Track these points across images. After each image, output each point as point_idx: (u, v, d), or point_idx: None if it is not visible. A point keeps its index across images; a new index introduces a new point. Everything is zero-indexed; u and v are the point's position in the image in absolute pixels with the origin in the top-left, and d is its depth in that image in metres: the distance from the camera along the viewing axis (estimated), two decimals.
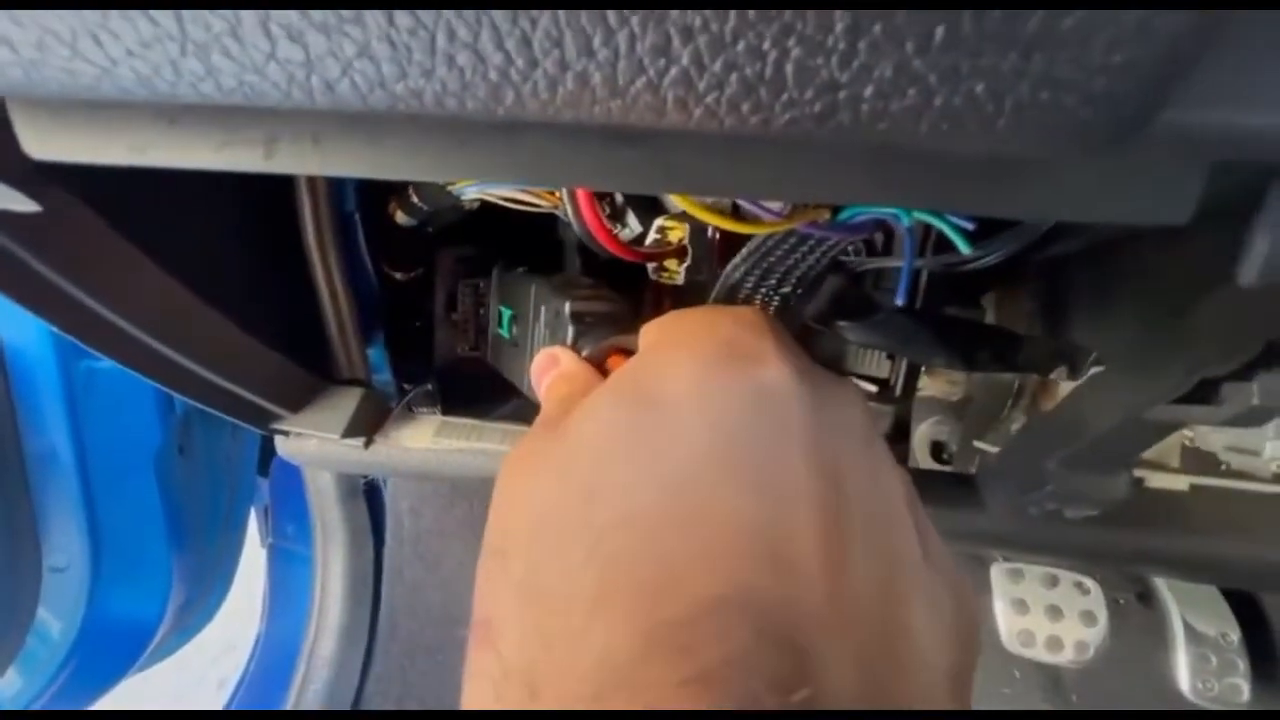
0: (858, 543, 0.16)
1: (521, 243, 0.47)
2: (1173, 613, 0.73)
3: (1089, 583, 0.73)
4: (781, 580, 0.14)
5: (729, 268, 0.26)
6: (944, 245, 0.30)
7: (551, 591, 0.15)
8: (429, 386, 0.52)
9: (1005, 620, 0.72)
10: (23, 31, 0.13)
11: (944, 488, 0.39)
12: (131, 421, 0.56)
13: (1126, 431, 0.28)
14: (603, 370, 0.28)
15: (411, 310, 0.51)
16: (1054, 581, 0.73)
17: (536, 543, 0.16)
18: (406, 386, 0.52)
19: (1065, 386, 0.44)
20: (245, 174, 0.18)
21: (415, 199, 0.42)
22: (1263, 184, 0.15)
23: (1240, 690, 0.69)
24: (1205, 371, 0.23)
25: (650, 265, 0.37)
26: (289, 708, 0.77)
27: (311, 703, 0.77)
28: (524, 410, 0.48)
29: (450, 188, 0.36)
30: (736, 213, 0.23)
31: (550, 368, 0.26)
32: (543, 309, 0.38)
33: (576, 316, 0.33)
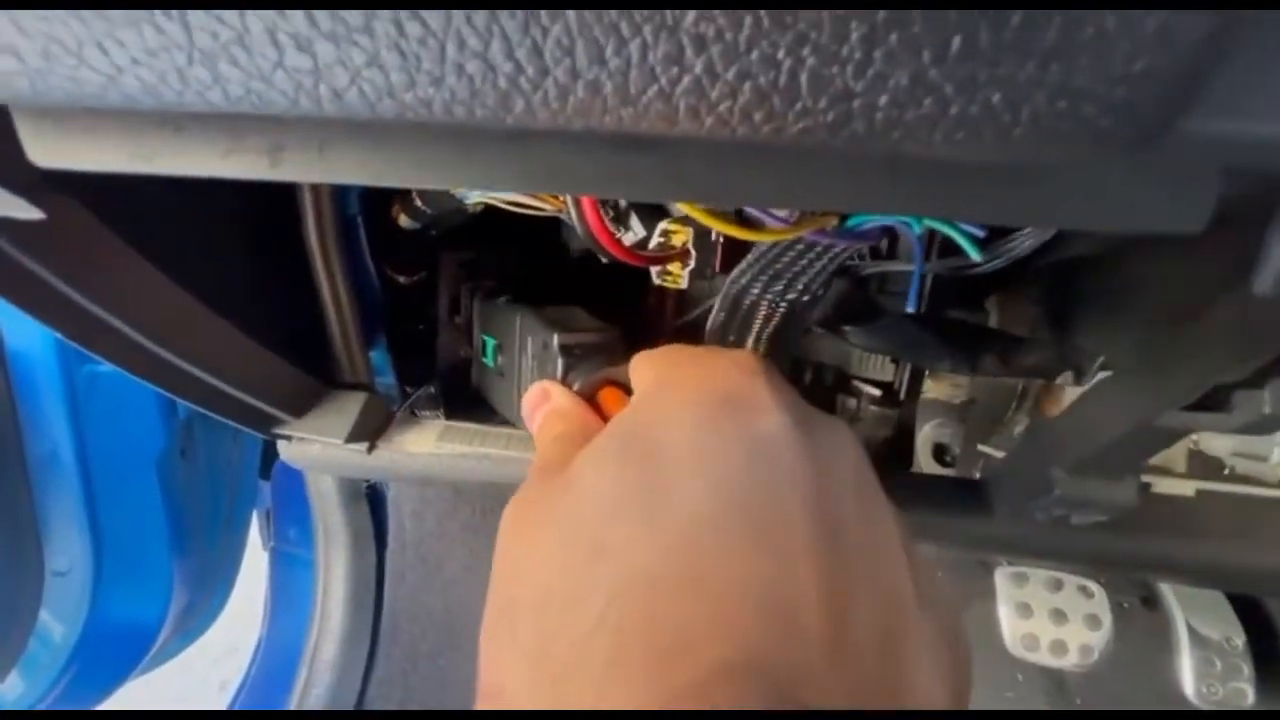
0: (858, 594, 0.16)
1: (525, 246, 0.47)
2: (1177, 617, 0.73)
3: (1093, 586, 0.73)
4: (787, 642, 0.15)
5: (735, 273, 0.26)
6: (950, 249, 0.30)
7: (563, 658, 0.15)
8: (431, 390, 0.52)
9: (1009, 624, 0.72)
10: (29, 41, 0.13)
11: (951, 493, 0.39)
12: (134, 425, 0.56)
13: (1135, 438, 0.27)
14: (594, 404, 0.28)
15: (414, 314, 0.51)
16: (1058, 585, 0.73)
17: (544, 607, 0.16)
18: (409, 390, 0.52)
19: (1069, 391, 0.44)
20: (250, 180, 0.17)
21: (419, 203, 0.42)
22: (1277, 193, 0.15)
23: (1245, 695, 0.69)
24: (1216, 379, 0.23)
25: (653, 269, 0.37)
26: (291, 710, 0.77)
27: (313, 706, 0.77)
28: None
29: (454, 191, 0.36)
30: (742, 218, 0.23)
31: (542, 403, 0.26)
32: (530, 340, 0.37)
33: (565, 349, 0.32)
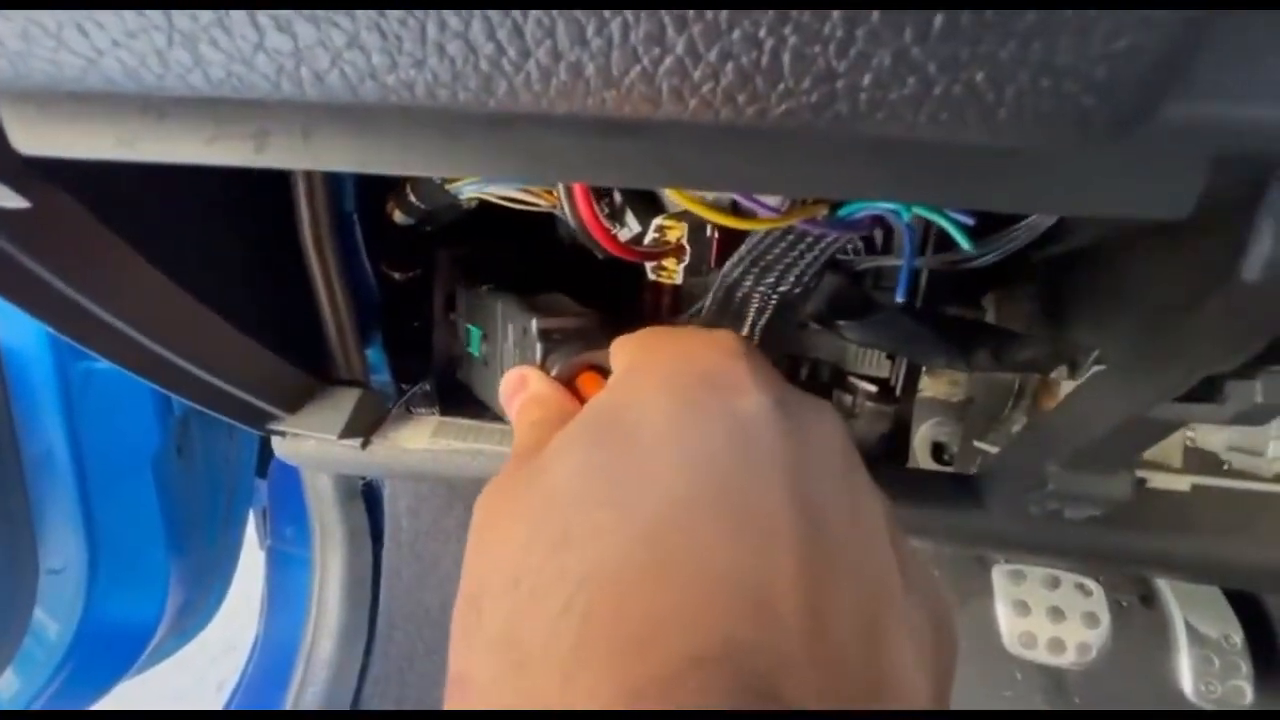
0: (839, 584, 0.15)
1: (520, 243, 0.47)
2: (1175, 614, 0.73)
3: (1091, 584, 0.73)
4: (762, 632, 0.14)
5: (727, 266, 0.26)
6: (944, 243, 0.30)
7: (527, 648, 0.15)
8: (427, 386, 0.52)
9: (1007, 622, 0.72)
10: (7, 23, 0.13)
11: (945, 488, 0.39)
12: (129, 423, 0.56)
13: (1128, 431, 0.27)
14: (573, 389, 0.28)
15: (410, 311, 0.51)
16: (1056, 583, 0.73)
17: (511, 595, 0.16)
18: (405, 387, 0.52)
19: (1066, 386, 0.44)
20: (241, 170, 0.17)
21: (413, 198, 0.42)
22: (1265, 178, 0.15)
23: (1243, 692, 0.69)
24: (1208, 369, 0.23)
25: (649, 264, 0.37)
26: (287, 709, 0.77)
27: (310, 704, 0.76)
28: None
29: (448, 186, 0.36)
30: (735, 209, 0.23)
31: (520, 389, 0.26)
32: (510, 327, 0.37)
33: (544, 334, 0.32)
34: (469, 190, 0.35)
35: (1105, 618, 0.70)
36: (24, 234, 0.22)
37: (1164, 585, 0.75)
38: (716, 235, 0.31)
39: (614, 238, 0.31)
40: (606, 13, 0.12)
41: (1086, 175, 0.15)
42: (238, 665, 0.84)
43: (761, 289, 0.25)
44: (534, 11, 0.12)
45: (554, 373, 0.28)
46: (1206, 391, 0.24)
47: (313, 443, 0.42)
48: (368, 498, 0.79)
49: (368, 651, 0.80)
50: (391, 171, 0.17)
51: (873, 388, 0.44)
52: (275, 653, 0.80)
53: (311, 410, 0.42)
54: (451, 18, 0.12)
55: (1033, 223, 0.24)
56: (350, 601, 0.77)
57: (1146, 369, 0.26)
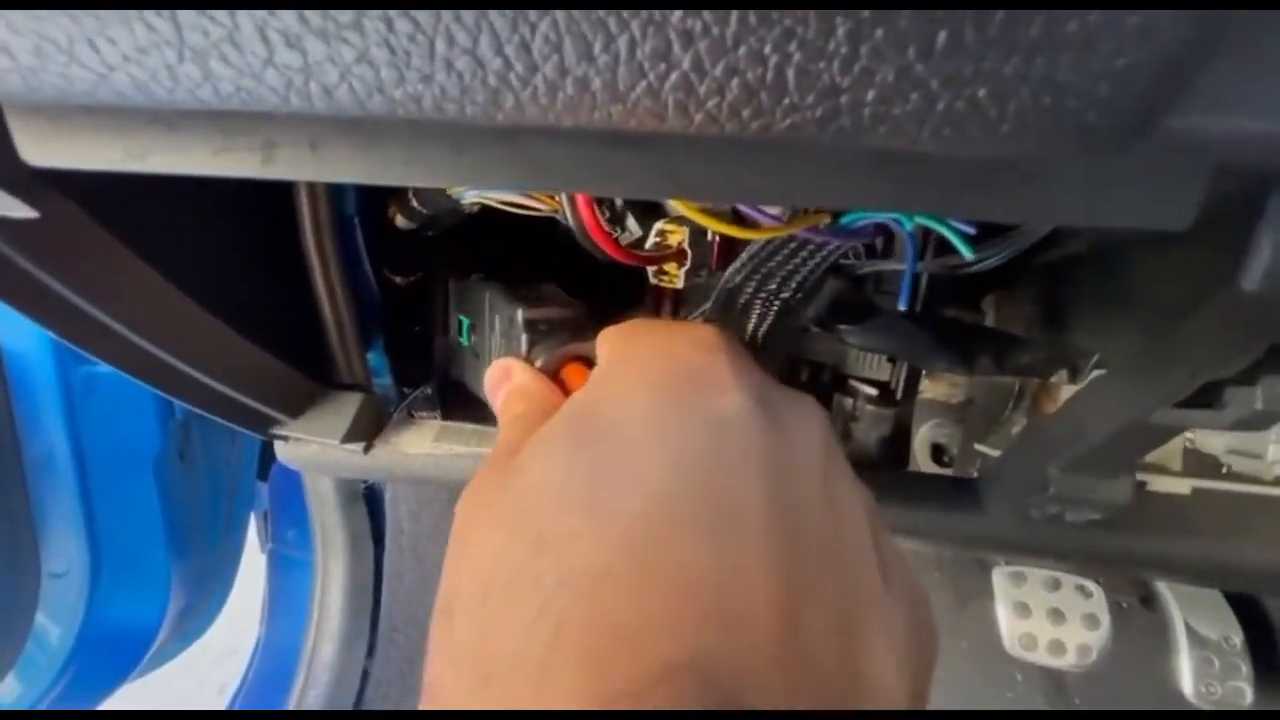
0: (815, 586, 0.15)
1: (522, 246, 0.47)
2: (1175, 616, 0.73)
3: (1091, 586, 0.73)
4: (734, 642, 0.14)
5: (729, 272, 0.26)
6: (945, 248, 0.30)
7: (496, 656, 0.15)
8: (429, 390, 0.52)
9: (1007, 624, 0.72)
10: (20, 38, 0.13)
11: (944, 491, 0.39)
12: (131, 427, 0.56)
13: (1128, 435, 0.28)
14: (559, 381, 0.27)
15: (411, 314, 0.51)
16: (1056, 585, 0.73)
17: (482, 603, 0.16)
18: (406, 391, 0.52)
19: (1066, 390, 0.44)
20: (244, 178, 0.17)
21: (415, 203, 0.42)
22: (1265, 189, 0.15)
23: (1243, 694, 0.69)
24: (1208, 375, 0.23)
25: (650, 269, 0.37)
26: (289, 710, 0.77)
27: (311, 707, 0.77)
28: None
29: (450, 191, 0.36)
30: (736, 217, 0.23)
31: (503, 381, 0.25)
32: (497, 317, 0.37)
33: (530, 324, 0.32)
34: (471, 195, 0.35)
35: (1105, 620, 0.70)
36: (29, 241, 0.23)
37: (1164, 587, 0.75)
38: (718, 240, 0.32)
39: (615, 242, 0.31)
40: (613, 28, 0.12)
41: (1088, 186, 0.15)
42: (239, 668, 0.84)
43: (763, 295, 0.25)
44: (541, 27, 0.12)
45: (539, 364, 0.28)
46: (1207, 397, 0.24)
47: (315, 447, 0.42)
48: (369, 501, 0.79)
49: (369, 655, 0.80)
50: (398, 183, 0.17)
51: (873, 391, 0.44)
52: (277, 656, 0.81)
53: (314, 415, 0.42)
54: (460, 33, 0.12)
55: (1031, 228, 0.24)
56: (352, 605, 0.77)
57: (1147, 374, 0.26)
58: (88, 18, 0.12)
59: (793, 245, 0.23)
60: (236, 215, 0.38)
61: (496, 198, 0.34)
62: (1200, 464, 0.41)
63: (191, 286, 0.31)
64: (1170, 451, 0.41)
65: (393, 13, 0.12)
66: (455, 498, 0.19)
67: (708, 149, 0.16)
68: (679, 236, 0.33)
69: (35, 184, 0.19)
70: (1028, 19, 0.11)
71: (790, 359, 0.45)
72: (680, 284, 0.37)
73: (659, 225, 0.32)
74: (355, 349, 0.43)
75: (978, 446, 0.55)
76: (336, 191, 0.41)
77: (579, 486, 0.17)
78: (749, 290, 0.25)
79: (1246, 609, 0.73)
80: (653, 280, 0.38)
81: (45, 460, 0.52)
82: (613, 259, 0.32)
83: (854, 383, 0.45)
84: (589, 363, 0.27)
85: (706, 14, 0.12)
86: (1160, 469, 0.40)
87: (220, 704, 0.84)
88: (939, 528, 0.40)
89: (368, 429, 0.42)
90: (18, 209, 0.19)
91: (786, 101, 0.13)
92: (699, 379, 0.19)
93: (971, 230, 0.20)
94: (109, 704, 0.64)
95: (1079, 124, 0.12)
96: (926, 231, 0.27)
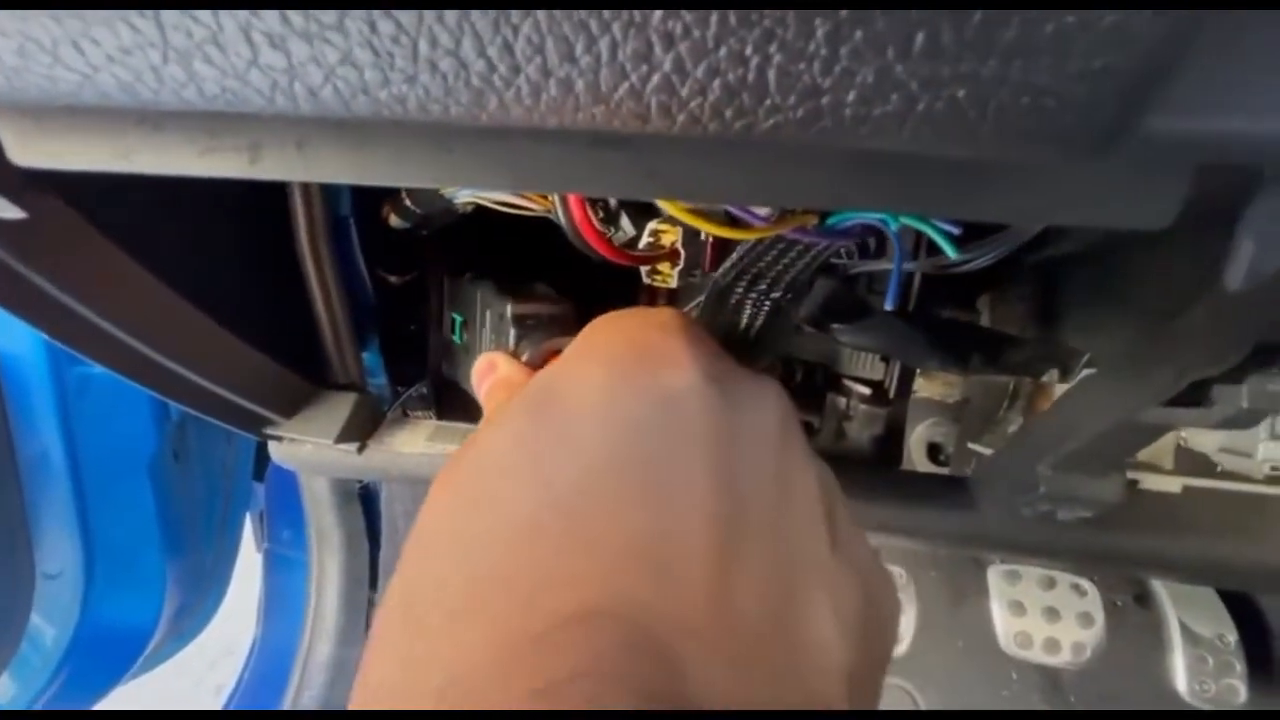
0: (751, 547, 0.15)
1: (516, 245, 0.47)
2: (1170, 614, 0.73)
3: (1086, 585, 0.73)
4: (660, 590, 0.14)
5: (719, 273, 0.26)
6: (936, 248, 0.30)
7: (422, 602, 0.15)
8: (424, 389, 0.52)
9: (1003, 622, 0.73)
10: (4, 39, 0.13)
11: (936, 489, 0.39)
12: (125, 427, 0.56)
13: (1118, 434, 0.28)
14: None
15: (406, 314, 0.51)
16: (1051, 583, 0.73)
17: (420, 554, 0.16)
18: (401, 390, 0.52)
19: (1060, 389, 0.44)
20: (232, 178, 0.17)
21: (408, 202, 0.42)
22: (1247, 188, 0.15)
23: (1237, 691, 0.69)
24: (1195, 374, 0.23)
25: (643, 268, 0.37)
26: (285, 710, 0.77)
27: (307, 707, 0.77)
28: None
29: (443, 191, 0.36)
30: (726, 218, 0.23)
31: (489, 373, 0.26)
32: (488, 313, 0.38)
33: (519, 319, 0.33)
34: (464, 194, 0.35)
35: (1100, 618, 0.71)
36: (19, 242, 0.23)
37: (1159, 585, 0.76)
38: (711, 240, 0.32)
39: (608, 242, 0.31)
40: (595, 30, 0.12)
41: (1069, 186, 0.15)
42: (236, 668, 0.84)
43: (754, 295, 0.25)
44: (523, 29, 0.12)
45: (525, 358, 0.28)
46: (1195, 396, 0.24)
47: (309, 447, 0.42)
48: (365, 499, 0.79)
49: None
50: (385, 183, 0.17)
51: (866, 390, 0.44)
52: (273, 656, 0.81)
53: (308, 415, 0.42)
54: (442, 34, 0.12)
55: (1020, 228, 0.24)
56: (348, 604, 0.77)
57: (1136, 373, 0.27)
58: (71, 19, 0.12)
59: (781, 246, 0.23)
60: (230, 215, 0.38)
61: (490, 197, 0.34)
62: (1192, 462, 0.41)
63: (185, 287, 0.31)
64: (1162, 450, 0.41)
65: (375, 14, 0.12)
66: None
67: (693, 149, 0.16)
68: (672, 236, 0.33)
69: (24, 185, 0.19)
70: (1004, 21, 0.11)
71: (785, 358, 0.45)
72: (674, 283, 0.37)
73: (652, 225, 0.32)
74: (350, 348, 0.43)
75: (971, 445, 0.55)
76: (331, 192, 0.41)
77: (523, 453, 0.17)
78: (739, 290, 0.25)
79: (1241, 607, 0.73)
80: (646, 280, 0.38)
81: (39, 461, 0.52)
82: (605, 258, 0.32)
83: (848, 382, 0.45)
84: None
85: (687, 15, 0.12)
86: (1152, 467, 0.40)
87: (217, 704, 0.84)
88: (931, 526, 0.40)
89: (362, 429, 0.42)
90: (6, 210, 0.19)
91: (768, 102, 0.13)
92: (651, 356, 0.19)
93: (956, 230, 0.20)
94: (105, 704, 0.64)
95: (1058, 125, 0.12)
96: (919, 232, 0.28)
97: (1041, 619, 0.72)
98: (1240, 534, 0.38)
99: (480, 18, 0.12)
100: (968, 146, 0.13)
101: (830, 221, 0.21)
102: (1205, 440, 0.41)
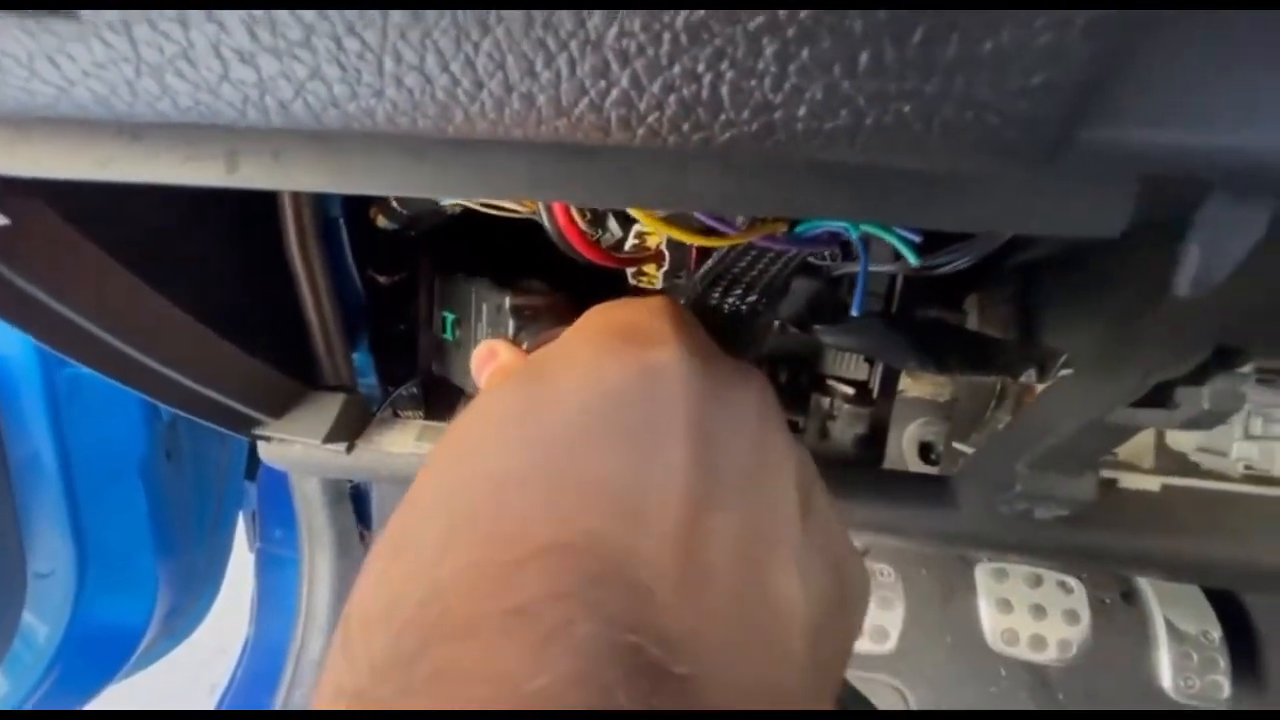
0: (722, 506, 0.16)
1: (505, 246, 0.47)
2: (1155, 611, 0.74)
3: (1072, 582, 0.74)
4: (630, 529, 0.14)
5: (695, 278, 0.27)
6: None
7: (401, 544, 0.15)
8: (414, 388, 0.53)
9: (989, 619, 0.73)
10: None
11: (919, 489, 0.40)
12: (117, 427, 0.56)
13: (1089, 434, 0.28)
14: None
15: (396, 314, 0.52)
16: (1038, 581, 0.74)
17: (402, 509, 0.17)
18: (391, 389, 0.52)
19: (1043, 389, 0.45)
20: (209, 187, 0.18)
21: (395, 204, 0.42)
22: (1195, 198, 0.16)
23: (1221, 687, 0.70)
24: (1160, 376, 0.24)
25: (629, 270, 0.38)
26: (278, 710, 0.78)
27: (299, 705, 0.77)
28: None
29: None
30: (699, 226, 0.23)
31: (489, 360, 0.27)
32: (484, 307, 0.38)
33: (517, 310, 0.33)
34: (449, 197, 0.35)
35: (1085, 615, 0.71)
36: (4, 248, 0.23)
37: (1145, 583, 0.76)
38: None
39: (592, 244, 0.32)
40: (552, 47, 0.12)
41: (1021, 196, 0.16)
42: (229, 667, 0.84)
43: (730, 301, 0.26)
44: (484, 46, 0.13)
45: (524, 347, 0.29)
46: (1160, 397, 0.25)
47: (298, 447, 0.42)
48: (357, 498, 0.80)
49: None
50: (361, 191, 0.18)
51: (850, 390, 0.45)
52: (266, 654, 0.81)
53: (296, 415, 0.42)
54: (406, 51, 0.13)
55: (989, 233, 0.25)
56: (339, 602, 0.77)
57: (1106, 374, 0.27)
58: (46, 35, 0.13)
59: (754, 253, 0.23)
60: (218, 218, 0.39)
61: (474, 200, 0.34)
62: (1170, 461, 0.41)
63: (172, 289, 0.31)
64: (1142, 449, 0.42)
65: (340, 31, 0.13)
66: None
67: (658, 160, 0.16)
68: (658, 239, 0.33)
69: (6, 191, 0.20)
70: (944, 40, 0.12)
71: (769, 359, 0.46)
72: (659, 285, 0.37)
73: (637, 227, 0.32)
74: (339, 349, 0.44)
75: (956, 445, 0.56)
76: (320, 195, 0.41)
77: (510, 414, 0.18)
78: (715, 295, 0.26)
79: (1226, 604, 0.74)
80: (632, 282, 0.39)
81: (30, 461, 0.53)
82: (590, 260, 0.32)
83: (831, 382, 0.46)
84: None
85: (640, 35, 0.12)
86: (1130, 466, 0.41)
87: (210, 702, 0.84)
88: (914, 524, 0.40)
89: (350, 429, 0.43)
90: None
91: (723, 117, 0.13)
92: (638, 334, 0.19)
93: (916, 238, 0.20)
94: (98, 703, 0.65)
95: (1001, 139, 0.13)
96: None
97: (1028, 616, 0.73)
98: (1217, 532, 0.39)
99: (442, 35, 0.12)
100: (918, 158, 0.14)
101: (799, 230, 0.21)
102: (1184, 440, 0.41)
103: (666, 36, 0.12)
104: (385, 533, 0.16)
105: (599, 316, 0.22)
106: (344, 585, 0.78)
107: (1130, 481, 0.40)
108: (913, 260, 0.20)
